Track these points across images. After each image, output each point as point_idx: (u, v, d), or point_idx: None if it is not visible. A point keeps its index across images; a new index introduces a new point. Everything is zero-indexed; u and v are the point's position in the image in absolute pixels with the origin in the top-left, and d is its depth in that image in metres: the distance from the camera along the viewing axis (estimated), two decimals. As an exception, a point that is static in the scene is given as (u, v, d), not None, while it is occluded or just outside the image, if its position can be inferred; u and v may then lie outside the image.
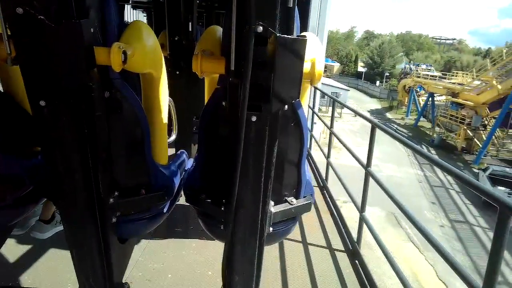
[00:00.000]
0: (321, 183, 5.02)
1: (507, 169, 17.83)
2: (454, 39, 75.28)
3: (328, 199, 4.57)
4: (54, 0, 1.12)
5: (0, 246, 1.88)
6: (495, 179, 16.35)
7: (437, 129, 28.65)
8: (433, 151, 24.42)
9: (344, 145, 4.14)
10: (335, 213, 4.18)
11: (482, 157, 22.13)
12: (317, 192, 4.77)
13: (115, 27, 1.41)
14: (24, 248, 3.02)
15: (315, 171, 5.47)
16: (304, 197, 1.68)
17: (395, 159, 20.52)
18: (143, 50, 1.41)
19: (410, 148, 2.58)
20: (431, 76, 33.43)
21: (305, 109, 1.56)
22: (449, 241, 12.46)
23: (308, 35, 1.39)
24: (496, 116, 22.87)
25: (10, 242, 2.84)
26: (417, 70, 36.75)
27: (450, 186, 17.79)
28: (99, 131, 1.38)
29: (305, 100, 1.63)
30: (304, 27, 5.36)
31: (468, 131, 24.23)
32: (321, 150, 5.37)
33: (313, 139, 6.25)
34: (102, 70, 1.34)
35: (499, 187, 15.37)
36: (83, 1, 1.19)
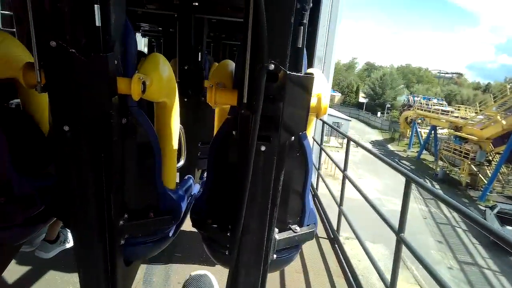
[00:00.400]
0: (330, 233, 4.57)
1: None
2: (454, 73, 76.58)
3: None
4: (84, 35, 1.23)
5: (8, 263, 1.91)
6: (503, 218, 15.87)
7: (440, 162, 28.37)
8: (437, 186, 24.10)
9: (370, 203, 3.32)
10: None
11: (488, 193, 21.82)
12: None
13: (135, 58, 1.52)
14: (29, 265, 3.02)
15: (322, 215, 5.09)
16: (308, 225, 1.73)
17: (398, 193, 19.28)
18: (160, 80, 1.50)
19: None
20: (434, 109, 33.27)
21: (310, 140, 1.64)
22: (458, 285, 12.03)
23: (315, 72, 1.49)
24: (501, 152, 22.66)
25: (16, 259, 2.85)
26: (426, 104, 36.29)
27: (456, 224, 17.40)
28: (115, 156, 1.46)
29: (311, 131, 1.71)
30: (310, 60, 5.44)
31: (472, 166, 23.98)
32: (331, 194, 4.75)
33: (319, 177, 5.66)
34: (121, 98, 1.44)
35: (508, 227, 14.94)
36: (110, 36, 1.29)
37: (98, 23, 1.22)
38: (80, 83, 1.22)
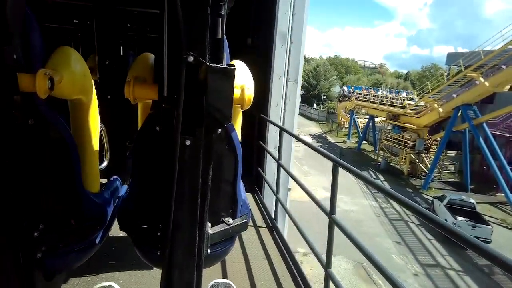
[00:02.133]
0: (269, 222, 4.63)
1: (464, 197, 17.34)
2: (377, 63, 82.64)
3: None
4: None
5: None
6: (453, 209, 15.82)
7: (380, 152, 28.55)
8: (381, 177, 24.11)
9: (303, 189, 3.48)
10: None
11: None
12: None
13: (40, 53, 1.38)
14: None
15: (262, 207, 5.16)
16: (241, 216, 1.74)
17: (346, 189, 19.53)
18: (72, 76, 1.38)
19: (374, 186, 2.40)
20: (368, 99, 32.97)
21: (238, 133, 1.64)
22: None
23: (237, 63, 1.49)
24: (439, 139, 23.18)
25: None
26: (397, 97, 32.42)
27: (408, 219, 17.19)
28: (22, 161, 1.31)
29: (238, 124, 1.71)
30: (268, 39, 5.35)
31: (412, 154, 24.24)
32: (268, 185, 5.00)
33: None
34: (26, 98, 1.29)
35: (459, 218, 15.06)
36: (6, 27, 1.15)
37: None
38: None
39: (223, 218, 1.68)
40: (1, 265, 1.36)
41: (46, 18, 3.06)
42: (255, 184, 5.79)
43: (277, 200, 4.59)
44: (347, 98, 39.46)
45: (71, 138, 1.48)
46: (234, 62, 1.55)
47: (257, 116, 5.55)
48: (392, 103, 29.29)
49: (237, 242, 3.38)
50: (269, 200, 5.39)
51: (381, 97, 32.53)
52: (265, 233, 4.34)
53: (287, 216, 4.79)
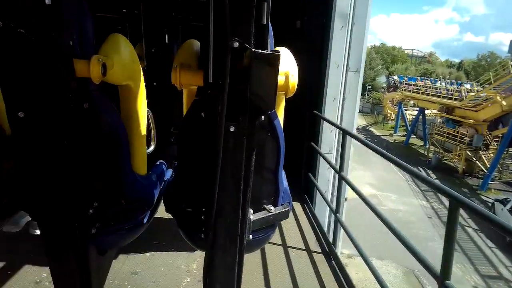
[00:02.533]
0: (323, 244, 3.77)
1: None
2: (426, 52, 77.20)
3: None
4: (33, 14, 1.15)
5: None
6: None
7: (431, 147, 26.31)
8: (432, 175, 21.62)
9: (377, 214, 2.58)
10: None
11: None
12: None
13: (93, 40, 1.45)
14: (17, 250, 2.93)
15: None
16: (282, 204, 1.73)
17: (394, 187, 18.08)
18: (122, 62, 1.44)
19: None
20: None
21: (281, 121, 1.62)
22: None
23: (282, 50, 1.46)
24: (500, 135, 20.54)
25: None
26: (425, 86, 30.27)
27: (465, 222, 15.04)
28: (78, 143, 1.40)
29: (281, 111, 1.69)
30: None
31: (468, 151, 21.79)
32: (322, 195, 4.15)
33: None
34: (81, 82, 1.37)
35: None
36: (62, 15, 1.22)
37: (48, 1, 1.15)
38: (32, 66, 1.15)
39: (264, 206, 1.69)
40: (60, 240, 1.46)
41: (96, 8, 3.21)
42: (305, 192, 4.83)
43: (335, 217, 3.61)
44: (393, 89, 37.10)
45: (121, 122, 1.55)
46: (278, 48, 1.52)
47: (307, 112, 4.60)
48: (447, 95, 26.44)
49: (282, 256, 3.27)
50: (321, 212, 4.50)
51: (436, 88, 29.59)
52: (319, 259, 3.42)
53: (342, 232, 3.70)
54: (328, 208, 4.09)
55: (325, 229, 4.15)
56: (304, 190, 4.85)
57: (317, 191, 4.41)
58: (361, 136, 3.08)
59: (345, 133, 3.44)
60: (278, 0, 2.03)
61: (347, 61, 4.41)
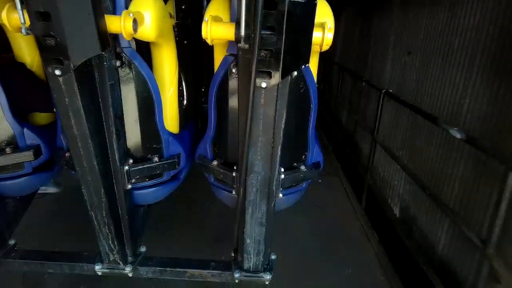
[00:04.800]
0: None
1: None
2: None
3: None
4: None
5: (23, 213, 1.99)
6: None
7: None
8: None
9: None
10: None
11: None
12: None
13: None
14: (43, 212, 3.15)
15: None
16: (313, 163, 1.72)
17: None
18: (153, 18, 1.41)
19: None
20: None
21: (314, 76, 1.56)
22: None
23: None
24: None
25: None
26: None
27: None
28: (113, 100, 1.42)
29: (315, 65, 1.62)
30: None
31: None
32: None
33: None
34: (113, 39, 1.36)
35: None
36: None
37: None
38: (66, 22, 1.14)
39: (295, 164, 1.68)
40: (99, 194, 1.54)
41: None
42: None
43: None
44: None
45: (154, 80, 1.55)
46: None
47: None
48: None
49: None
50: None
51: None
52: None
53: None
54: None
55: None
56: None
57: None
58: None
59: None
60: None
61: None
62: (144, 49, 1.69)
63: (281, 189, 1.61)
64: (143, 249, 1.90)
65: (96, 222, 1.63)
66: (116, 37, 1.39)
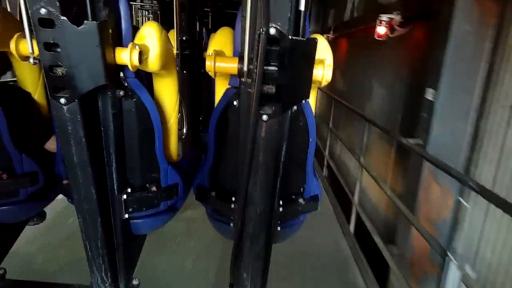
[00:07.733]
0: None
1: None
2: None
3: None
4: (75, 2, 1.17)
5: (14, 240, 1.94)
6: None
7: None
8: None
9: None
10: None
11: None
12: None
13: (130, 28, 1.46)
14: (38, 241, 3.07)
15: None
16: (311, 196, 1.71)
17: None
18: (158, 50, 1.45)
19: None
20: None
21: (313, 109, 1.59)
22: None
23: (319, 38, 1.42)
24: None
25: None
26: None
27: None
28: (114, 129, 1.43)
29: (313, 100, 1.66)
30: None
31: None
32: None
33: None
34: (118, 70, 1.39)
35: None
36: (101, 2, 1.23)
37: None
38: (73, 53, 1.17)
39: (293, 197, 1.67)
40: (95, 223, 1.51)
41: None
42: None
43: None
44: None
45: (155, 109, 1.57)
46: (314, 35, 1.48)
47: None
48: None
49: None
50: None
51: None
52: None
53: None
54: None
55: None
56: None
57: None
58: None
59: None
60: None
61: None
62: (144, 76, 1.72)
63: (279, 222, 1.60)
64: (135, 282, 1.84)
65: (90, 253, 1.59)
66: (120, 67, 1.42)
